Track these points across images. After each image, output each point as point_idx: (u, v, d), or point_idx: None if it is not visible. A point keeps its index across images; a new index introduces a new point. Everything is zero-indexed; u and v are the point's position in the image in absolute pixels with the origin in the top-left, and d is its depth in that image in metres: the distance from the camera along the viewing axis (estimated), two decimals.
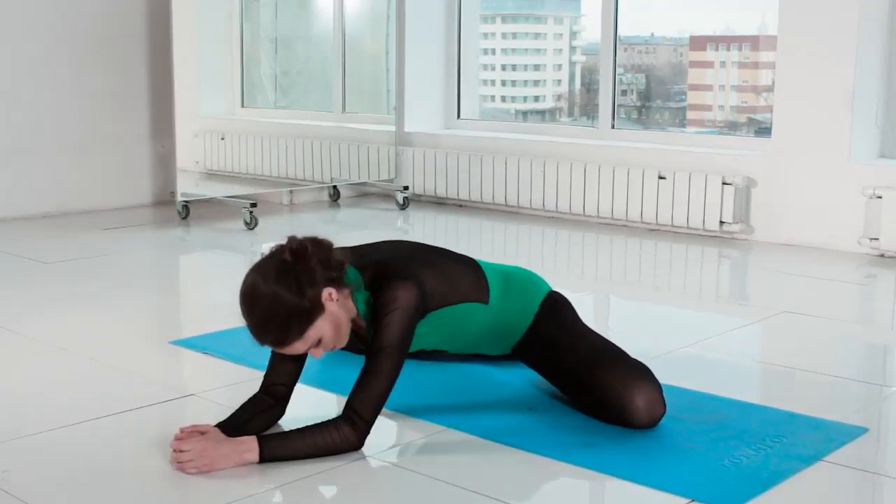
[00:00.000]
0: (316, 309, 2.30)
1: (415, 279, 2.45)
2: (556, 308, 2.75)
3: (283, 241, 2.35)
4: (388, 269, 2.46)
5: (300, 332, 2.29)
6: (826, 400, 2.85)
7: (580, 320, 2.78)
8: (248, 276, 2.32)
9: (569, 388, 2.67)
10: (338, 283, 2.35)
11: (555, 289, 2.84)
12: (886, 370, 3.31)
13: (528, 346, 2.74)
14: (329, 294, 2.31)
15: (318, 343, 2.34)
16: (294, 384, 2.51)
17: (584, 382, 2.59)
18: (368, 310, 2.43)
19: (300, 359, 2.48)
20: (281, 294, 2.26)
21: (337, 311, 2.34)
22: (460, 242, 5.51)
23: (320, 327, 2.32)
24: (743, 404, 2.74)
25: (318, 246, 2.34)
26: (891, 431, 2.72)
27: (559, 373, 2.68)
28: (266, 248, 2.39)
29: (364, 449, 2.37)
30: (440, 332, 2.61)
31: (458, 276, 2.63)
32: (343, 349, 2.52)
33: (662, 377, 2.60)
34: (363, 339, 2.53)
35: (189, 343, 3.29)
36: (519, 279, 2.76)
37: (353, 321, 2.46)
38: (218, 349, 3.18)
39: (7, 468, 2.31)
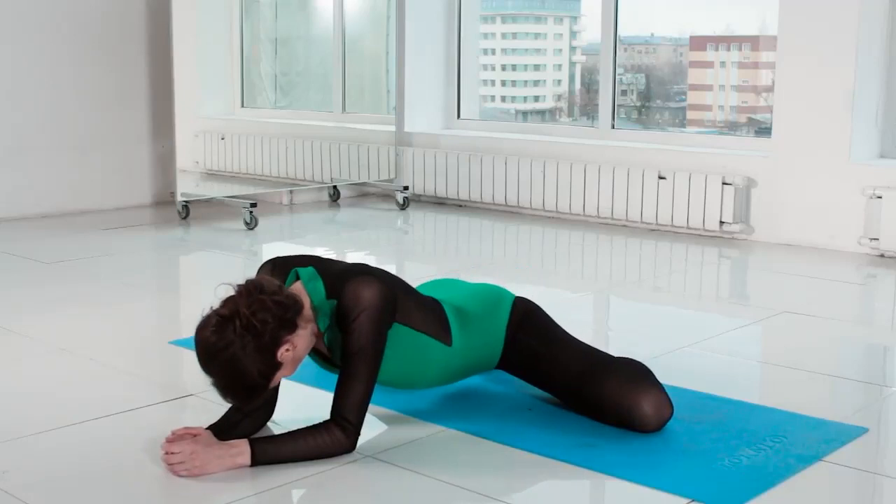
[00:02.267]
0: (274, 372, 2.26)
1: (376, 277, 2.39)
2: (526, 320, 2.64)
3: (233, 292, 2.25)
4: (349, 272, 2.39)
5: (262, 394, 2.29)
6: (826, 400, 2.85)
7: (554, 324, 2.69)
8: (202, 345, 2.24)
9: (567, 400, 2.63)
10: (294, 325, 2.27)
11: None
12: (886, 370, 3.31)
13: (512, 364, 2.66)
14: (285, 350, 2.25)
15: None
16: (278, 386, 2.49)
17: (583, 396, 2.56)
18: (333, 320, 2.36)
19: None
20: (244, 369, 2.20)
21: (294, 356, 2.29)
22: (460, 242, 5.51)
23: (280, 377, 2.31)
24: (743, 404, 2.74)
25: (274, 305, 2.23)
26: (891, 431, 2.72)
27: (553, 387, 2.63)
28: (217, 294, 2.28)
29: (363, 449, 2.37)
30: (401, 362, 2.46)
31: (424, 307, 2.52)
32: (322, 366, 2.52)
33: (662, 377, 2.60)
34: (328, 360, 2.47)
35: (189, 343, 3.26)
36: (476, 307, 2.61)
37: (315, 345, 2.43)
38: None
39: (7, 468, 2.31)
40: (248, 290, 2.25)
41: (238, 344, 2.19)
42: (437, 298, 2.58)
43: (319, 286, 2.36)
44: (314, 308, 2.35)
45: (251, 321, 2.19)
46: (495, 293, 2.69)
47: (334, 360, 2.44)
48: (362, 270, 2.43)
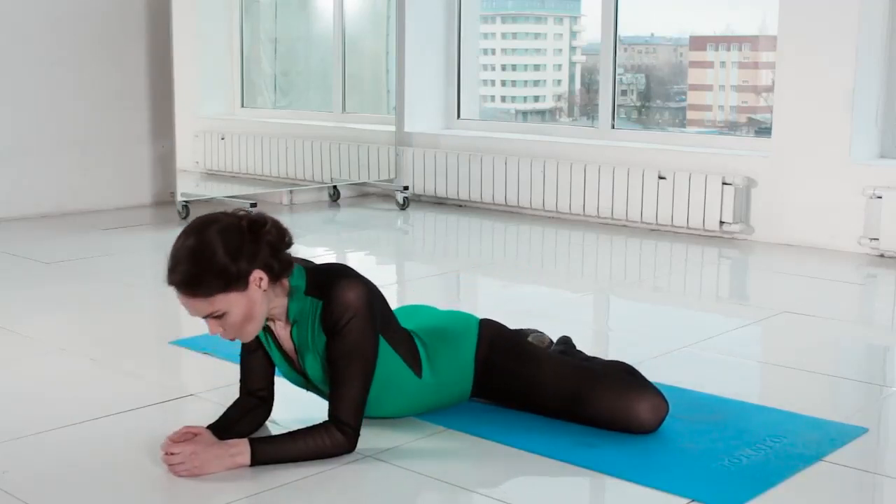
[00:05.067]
0: (238, 282, 2.20)
1: (360, 279, 2.37)
2: (496, 340, 2.59)
3: (251, 212, 2.29)
4: (332, 273, 2.37)
5: (210, 293, 2.20)
6: (826, 400, 2.85)
7: (523, 340, 2.64)
8: (201, 217, 2.26)
9: (559, 418, 2.57)
10: (276, 274, 2.27)
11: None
12: (886, 370, 3.31)
13: (489, 389, 2.61)
14: (259, 278, 2.23)
15: (221, 317, 2.24)
16: (273, 383, 2.49)
17: (577, 415, 2.52)
18: (311, 318, 2.34)
19: (270, 360, 2.46)
20: (215, 248, 2.18)
21: (258, 298, 2.25)
22: (460, 242, 5.51)
23: (232, 301, 2.22)
24: (743, 404, 2.74)
25: (278, 232, 2.28)
26: (891, 431, 2.72)
27: (540, 411, 2.58)
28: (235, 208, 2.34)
29: (363, 449, 2.37)
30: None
31: (400, 331, 2.49)
32: (286, 374, 2.49)
33: (662, 377, 2.60)
34: (295, 366, 2.44)
35: (189, 343, 3.28)
36: (444, 335, 2.56)
37: (276, 334, 2.41)
38: (218, 349, 3.18)
39: (7, 468, 2.31)
40: (276, 220, 2.31)
41: (234, 229, 2.21)
42: (407, 329, 2.53)
43: (301, 277, 2.36)
44: (290, 289, 2.34)
45: (263, 221, 2.24)
46: (461, 320, 2.64)
47: (300, 366, 2.42)
48: (347, 272, 2.39)
